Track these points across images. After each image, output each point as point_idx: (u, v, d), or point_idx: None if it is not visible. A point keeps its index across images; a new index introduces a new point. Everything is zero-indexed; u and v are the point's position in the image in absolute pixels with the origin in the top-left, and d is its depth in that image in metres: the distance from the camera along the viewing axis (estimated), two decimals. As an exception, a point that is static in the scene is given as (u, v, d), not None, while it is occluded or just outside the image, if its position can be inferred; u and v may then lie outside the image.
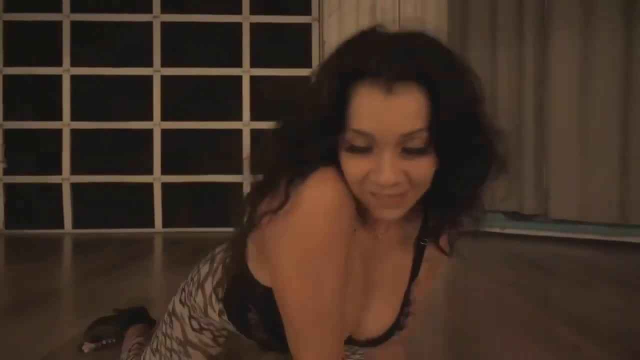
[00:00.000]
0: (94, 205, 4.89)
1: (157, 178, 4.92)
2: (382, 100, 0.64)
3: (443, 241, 0.86)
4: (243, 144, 4.92)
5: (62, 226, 4.84)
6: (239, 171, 4.90)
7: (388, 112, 0.64)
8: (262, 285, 0.81)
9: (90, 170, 4.88)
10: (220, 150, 4.92)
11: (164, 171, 4.92)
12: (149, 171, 4.91)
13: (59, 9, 4.85)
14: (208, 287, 0.99)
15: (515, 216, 4.19)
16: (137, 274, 2.97)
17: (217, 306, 0.96)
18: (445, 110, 0.63)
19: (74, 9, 4.86)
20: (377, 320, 0.83)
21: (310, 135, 0.68)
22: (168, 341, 1.11)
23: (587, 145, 3.72)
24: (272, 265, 0.74)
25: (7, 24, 4.86)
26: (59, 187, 4.86)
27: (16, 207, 4.87)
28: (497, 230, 4.32)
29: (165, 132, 4.92)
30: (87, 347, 1.59)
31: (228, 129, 4.93)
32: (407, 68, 0.62)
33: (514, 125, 4.08)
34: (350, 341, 0.85)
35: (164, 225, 4.89)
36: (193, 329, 1.07)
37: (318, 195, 0.66)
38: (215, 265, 1.00)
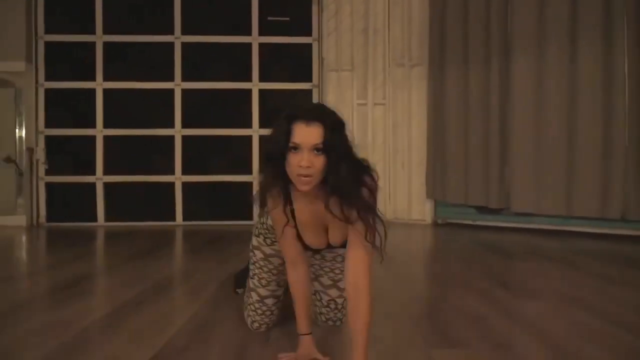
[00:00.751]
0: (123, 201, 5.58)
1: (178, 178, 5.60)
2: (304, 128, 1.33)
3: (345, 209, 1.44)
4: (253, 148, 5.62)
5: (95, 219, 5.54)
6: (249, 172, 5.60)
7: (306, 134, 1.32)
8: None
9: (120, 171, 5.57)
10: (233, 154, 5.61)
11: (184, 172, 5.60)
12: (171, 172, 5.59)
13: (93, 31, 5.54)
14: None
15: (484, 210, 4.91)
16: (161, 259, 3.52)
17: None
18: (328, 136, 1.35)
19: (105, 31, 5.56)
20: (335, 237, 1.58)
21: (277, 146, 1.39)
22: (256, 264, 1.78)
23: (541, 150, 4.42)
24: None
25: (47, 44, 5.55)
26: (93, 185, 5.56)
27: (56, 203, 5.56)
28: (470, 222, 5.06)
29: (185, 138, 5.60)
30: (240, 290, 2.16)
31: (240, 135, 5.62)
32: (314, 116, 1.36)
33: (482, 133, 4.81)
34: (329, 247, 1.62)
35: (184, 218, 5.58)
36: (267, 245, 1.74)
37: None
38: None
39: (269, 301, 1.79)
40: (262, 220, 1.77)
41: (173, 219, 5.57)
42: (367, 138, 5.50)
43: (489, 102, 4.75)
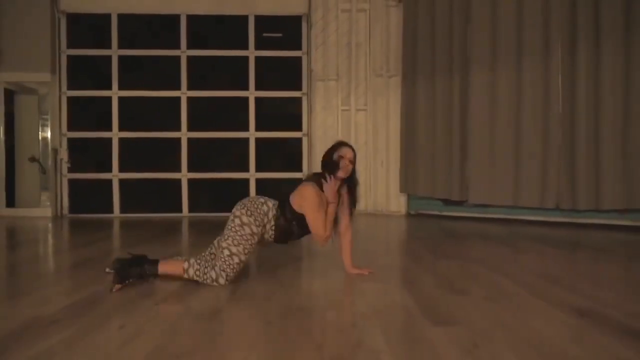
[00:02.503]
0: (136, 195, 6.33)
1: (184, 175, 6.35)
2: (347, 150, 2.59)
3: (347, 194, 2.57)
4: (250, 148, 6.38)
5: (112, 211, 6.29)
6: (246, 170, 6.38)
7: (348, 152, 2.57)
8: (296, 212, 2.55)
9: (133, 169, 6.31)
10: (233, 154, 6.37)
11: (190, 169, 6.35)
12: (178, 169, 6.34)
13: (109, 46, 6.30)
14: (270, 213, 2.56)
15: (448, 202, 5.69)
16: (169, 242, 4.19)
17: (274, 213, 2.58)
18: (354, 158, 2.61)
19: (120, 46, 6.31)
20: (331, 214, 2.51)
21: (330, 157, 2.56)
22: (244, 237, 2.44)
23: (493, 151, 5.19)
24: (304, 206, 2.46)
25: (69, 57, 6.31)
26: (109, 182, 6.30)
27: (77, 197, 6.31)
28: (437, 212, 5.83)
29: (190, 140, 6.35)
30: (116, 288, 2.32)
31: (238, 138, 6.36)
32: (350, 147, 2.62)
33: (446, 136, 5.59)
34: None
35: (190, 210, 6.34)
36: (256, 225, 2.48)
37: (311, 188, 2.53)
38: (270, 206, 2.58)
39: (243, 263, 2.52)
40: (262, 209, 2.53)
41: (180, 210, 6.33)
42: (350, 139, 6.24)
43: (451, 109, 5.52)
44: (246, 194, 6.36)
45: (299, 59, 6.43)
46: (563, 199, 4.77)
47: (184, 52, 6.34)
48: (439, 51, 5.63)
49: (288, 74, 6.42)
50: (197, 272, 2.43)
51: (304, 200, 2.46)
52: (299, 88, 6.42)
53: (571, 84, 4.73)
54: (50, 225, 5.52)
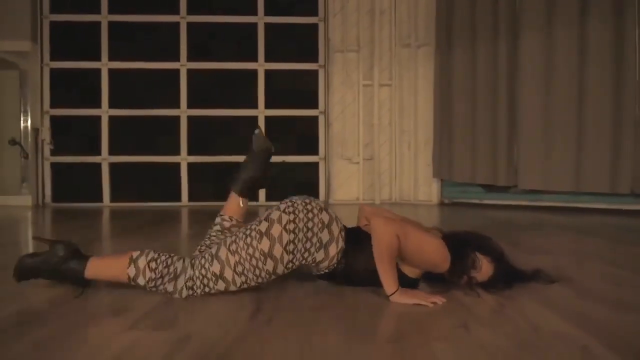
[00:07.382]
0: (129, 182, 5.56)
1: (183, 158, 5.58)
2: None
3: None
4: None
5: (101, 200, 5.52)
6: (255, 152, 5.59)
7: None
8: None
9: (125, 152, 5.55)
10: (239, 134, 5.57)
11: (190, 152, 5.58)
12: (177, 152, 5.57)
13: (98, 11, 5.51)
14: (332, 250, 1.65)
15: (491, 188, 4.89)
16: (165, 234, 3.49)
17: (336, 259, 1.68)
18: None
19: (111, 11, 5.52)
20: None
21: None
22: (250, 249, 1.58)
23: (549, 127, 4.39)
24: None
25: (53, 23, 5.52)
26: (98, 166, 5.53)
27: (61, 183, 5.54)
28: (477, 201, 5.03)
29: (190, 119, 5.59)
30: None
31: (245, 116, 5.59)
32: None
33: (490, 111, 4.79)
34: None
35: (190, 199, 5.57)
36: (285, 249, 1.60)
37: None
38: (335, 235, 1.67)
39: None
40: (316, 235, 1.64)
41: (179, 199, 5.56)
42: (373, 119, 5.49)
43: (497, 80, 4.72)
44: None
45: (315, 26, 5.64)
46: (640, 182, 3.97)
47: (183, 18, 5.55)
48: (480, 12, 4.82)
49: (302, 43, 5.64)
50: (150, 282, 1.61)
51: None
52: (315, 60, 5.63)
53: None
54: (29, 215, 4.76)
